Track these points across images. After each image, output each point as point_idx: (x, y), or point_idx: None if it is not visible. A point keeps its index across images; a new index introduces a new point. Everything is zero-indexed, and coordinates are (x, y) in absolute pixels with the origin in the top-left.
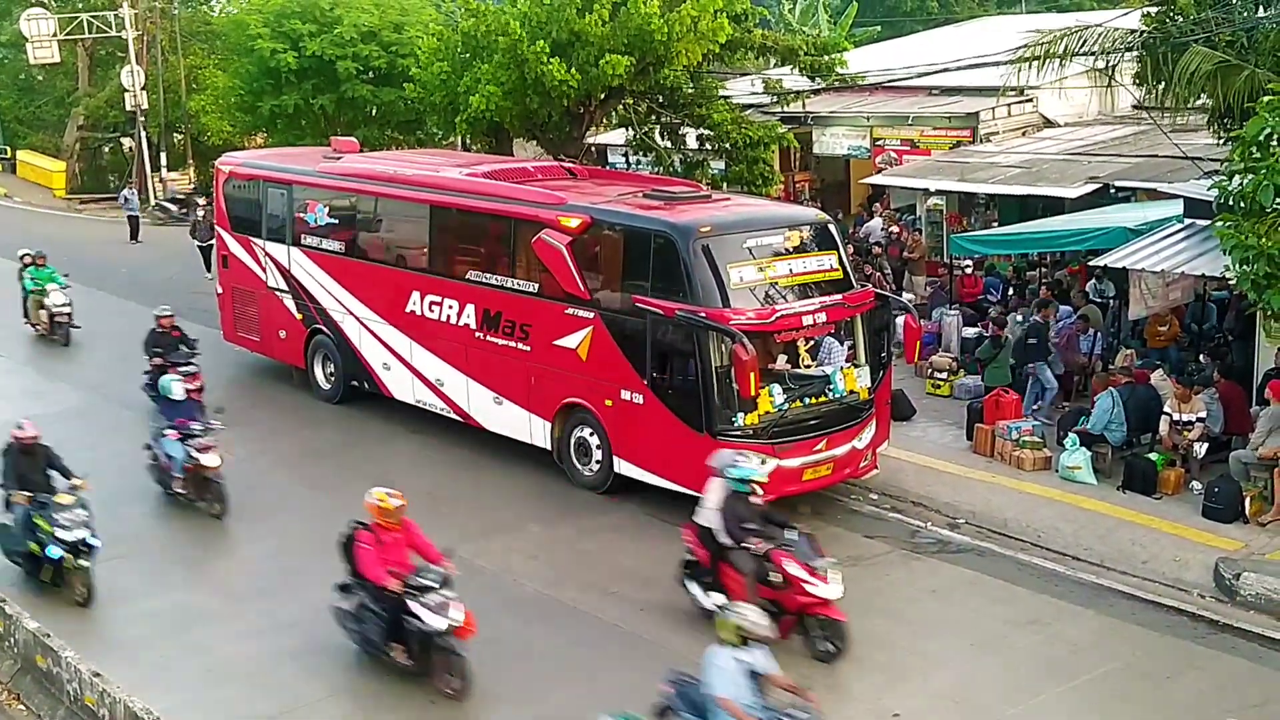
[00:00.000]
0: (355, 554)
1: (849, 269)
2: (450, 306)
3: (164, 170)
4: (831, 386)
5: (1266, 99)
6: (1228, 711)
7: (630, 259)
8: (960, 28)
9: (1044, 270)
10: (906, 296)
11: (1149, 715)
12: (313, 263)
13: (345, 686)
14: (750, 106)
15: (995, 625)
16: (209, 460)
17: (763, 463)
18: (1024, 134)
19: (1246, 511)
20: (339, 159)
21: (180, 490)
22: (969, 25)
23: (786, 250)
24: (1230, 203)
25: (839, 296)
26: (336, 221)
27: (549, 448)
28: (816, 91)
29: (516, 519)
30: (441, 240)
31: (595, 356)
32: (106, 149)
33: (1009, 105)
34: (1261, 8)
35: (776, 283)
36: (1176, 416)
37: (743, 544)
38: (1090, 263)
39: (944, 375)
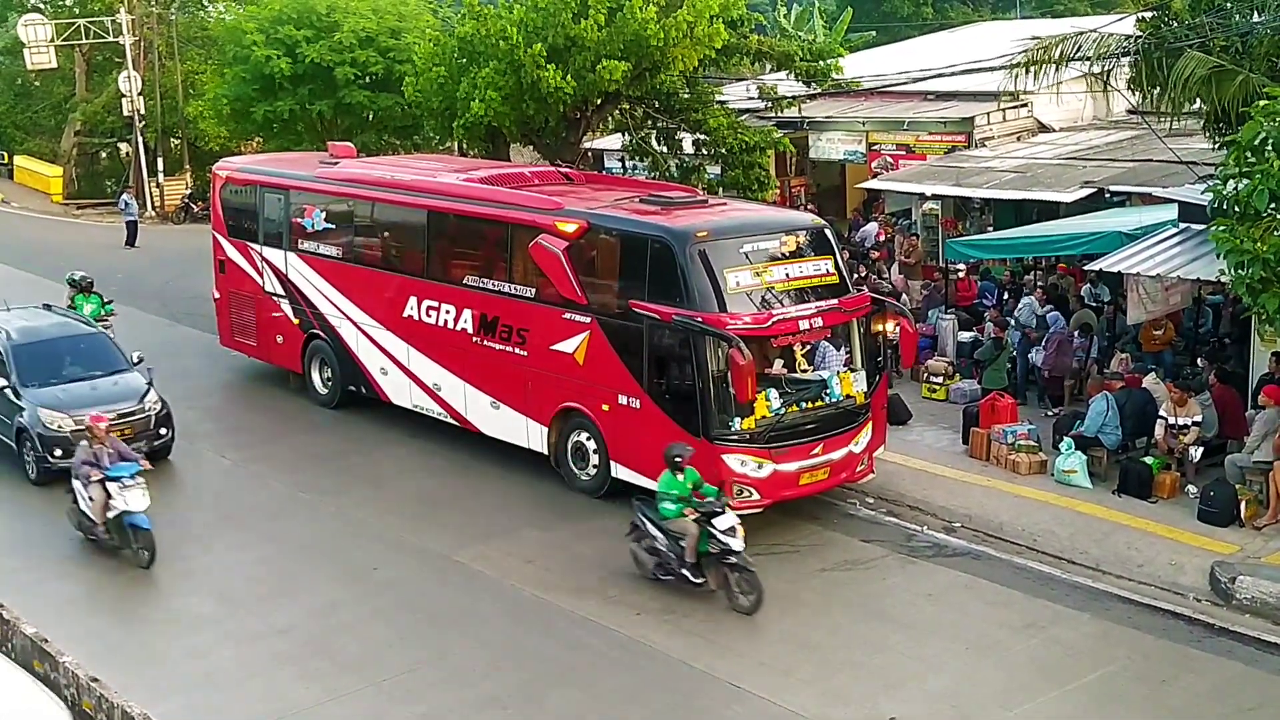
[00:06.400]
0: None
1: (845, 273)
2: (447, 311)
3: (161, 175)
4: (828, 391)
5: (1261, 104)
6: (1224, 715)
7: (627, 264)
8: (955, 33)
9: (1039, 274)
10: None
11: (1145, 719)
12: (310, 268)
13: (341, 692)
14: (746, 111)
15: (991, 629)
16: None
17: (759, 466)
18: (1019, 139)
19: (1242, 515)
20: (336, 164)
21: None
22: (964, 31)
23: (783, 255)
24: (1225, 207)
25: (835, 301)
26: (333, 226)
27: (546, 452)
28: (812, 96)
29: (513, 523)
30: (438, 245)
31: (592, 361)
32: (104, 154)
33: (1004, 110)
34: (1256, 13)
35: (773, 287)
36: (1172, 420)
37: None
38: (1085, 267)
39: (940, 379)
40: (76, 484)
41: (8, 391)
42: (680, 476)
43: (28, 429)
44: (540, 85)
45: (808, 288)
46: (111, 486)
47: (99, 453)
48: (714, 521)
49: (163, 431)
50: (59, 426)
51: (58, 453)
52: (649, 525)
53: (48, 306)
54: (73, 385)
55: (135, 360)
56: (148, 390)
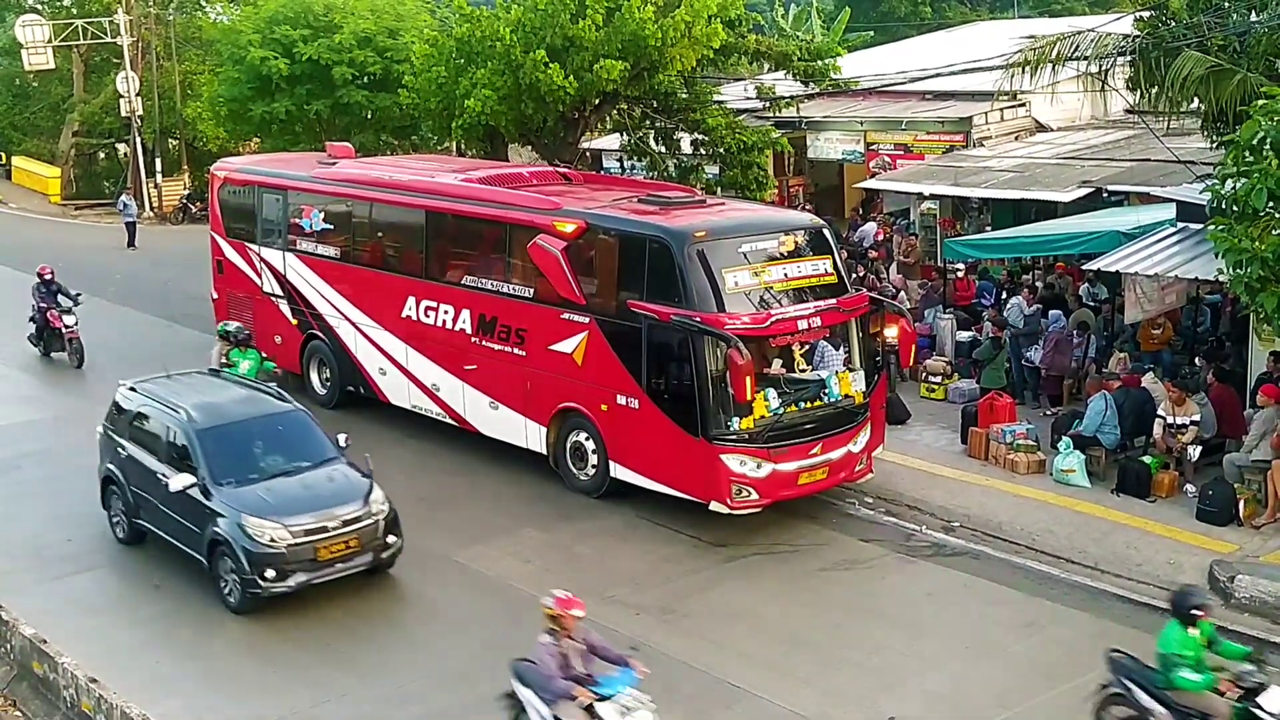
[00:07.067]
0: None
1: (843, 273)
2: (446, 311)
3: (159, 176)
4: (826, 391)
5: (1259, 103)
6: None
7: (625, 264)
8: (953, 33)
9: (1036, 274)
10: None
11: None
12: (308, 268)
13: (341, 692)
14: (744, 111)
15: (990, 628)
16: None
17: (758, 466)
18: (1017, 138)
19: (1240, 514)
20: (334, 164)
21: None
22: (962, 30)
23: (781, 255)
24: (1223, 206)
25: (834, 301)
26: (332, 227)
27: (545, 452)
28: (810, 96)
29: (512, 523)
30: (437, 245)
31: (591, 361)
32: (102, 155)
33: (1002, 110)
34: (1254, 12)
35: (771, 287)
36: (1170, 419)
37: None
38: (1083, 266)
39: (938, 379)
40: (527, 695)
41: (194, 491)
42: (1194, 632)
43: (228, 542)
44: (540, 85)
45: (806, 287)
46: (605, 710)
47: (569, 652)
48: (1259, 699)
49: (390, 539)
50: (272, 540)
51: (270, 574)
52: (1139, 694)
53: (215, 372)
54: (276, 482)
55: (343, 444)
56: (370, 486)
